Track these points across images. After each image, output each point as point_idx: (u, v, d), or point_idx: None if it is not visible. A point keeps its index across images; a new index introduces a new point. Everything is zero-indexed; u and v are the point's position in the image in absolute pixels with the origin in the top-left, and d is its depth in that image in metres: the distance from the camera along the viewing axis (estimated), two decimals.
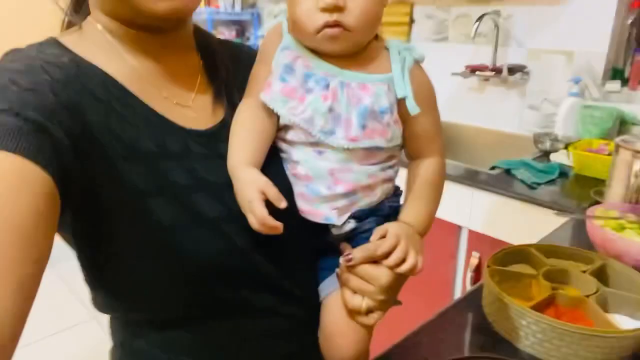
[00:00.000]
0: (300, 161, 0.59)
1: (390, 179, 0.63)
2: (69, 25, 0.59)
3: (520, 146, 1.83)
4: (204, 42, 0.64)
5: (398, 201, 0.66)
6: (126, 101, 0.52)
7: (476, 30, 1.75)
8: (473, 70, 1.93)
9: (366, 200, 0.60)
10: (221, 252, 0.53)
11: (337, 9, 0.52)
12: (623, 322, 0.70)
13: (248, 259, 0.56)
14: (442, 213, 1.54)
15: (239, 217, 0.53)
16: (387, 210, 0.63)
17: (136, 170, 0.50)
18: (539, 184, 1.38)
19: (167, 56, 0.58)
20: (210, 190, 0.54)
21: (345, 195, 0.58)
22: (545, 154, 1.64)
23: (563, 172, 1.46)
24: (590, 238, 0.91)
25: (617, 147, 1.04)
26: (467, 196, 1.47)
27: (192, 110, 0.58)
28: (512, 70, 1.84)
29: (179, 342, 0.57)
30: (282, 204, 0.51)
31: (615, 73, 1.69)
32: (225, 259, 0.53)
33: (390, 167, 0.62)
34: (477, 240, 1.49)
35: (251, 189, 0.52)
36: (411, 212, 0.62)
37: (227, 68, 0.64)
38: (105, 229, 0.49)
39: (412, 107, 0.57)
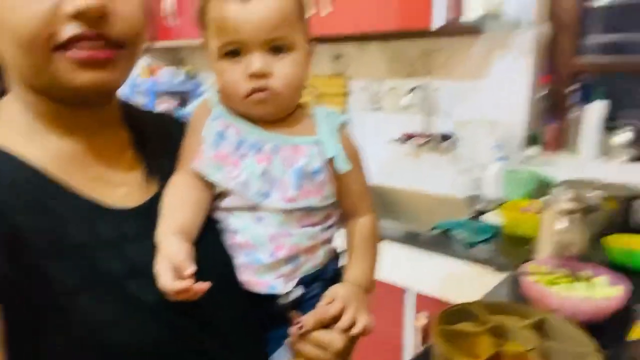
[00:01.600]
0: (239, 229, 0.59)
1: (329, 240, 0.64)
2: None
3: (454, 208, 1.93)
4: (131, 114, 0.62)
5: (338, 263, 0.67)
6: (51, 191, 0.49)
7: (407, 102, 1.88)
8: (408, 137, 2.06)
9: (310, 264, 0.60)
10: (162, 339, 0.50)
11: (264, 75, 0.56)
12: None
13: (190, 342, 0.53)
14: (386, 276, 1.57)
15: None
16: (331, 273, 0.64)
17: (64, 267, 0.46)
18: (476, 243, 1.45)
19: (94, 133, 0.55)
20: (146, 275, 0.50)
21: (288, 260, 0.58)
22: (479, 215, 1.74)
23: (496, 232, 1.55)
24: (528, 294, 0.96)
25: (542, 206, 1.13)
26: (410, 258, 1.52)
27: (124, 187, 0.56)
28: (443, 137, 1.98)
29: None
30: (189, 269, 0.48)
31: (533, 139, 1.86)
32: (167, 345, 0.50)
33: (329, 227, 0.64)
34: (424, 301, 1.52)
35: (161, 261, 0.49)
36: (355, 271, 0.63)
37: (159, 141, 0.63)
38: (34, 328, 0.45)
39: (342, 165, 0.60)
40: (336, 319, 0.56)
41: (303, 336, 0.57)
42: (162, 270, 0.48)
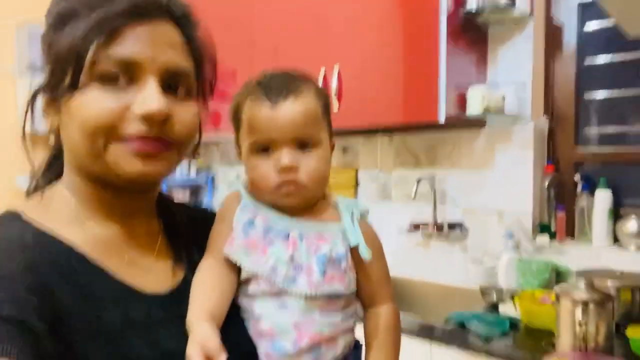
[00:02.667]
0: (263, 315, 0.60)
1: (350, 329, 0.64)
2: (35, 189, 0.60)
3: (468, 298, 1.89)
4: (163, 204, 0.66)
5: (359, 355, 0.66)
6: (90, 274, 0.52)
7: (416, 192, 1.93)
8: (416, 226, 2.07)
9: (330, 355, 0.60)
10: None
11: (292, 169, 0.60)
12: None
13: None
14: None
15: None
16: None
17: (96, 349, 0.48)
18: (492, 337, 1.41)
19: (130, 220, 0.59)
20: (172, 359, 0.52)
21: (310, 349, 0.59)
22: (493, 306, 1.70)
23: (513, 324, 1.51)
24: None
25: (558, 297, 1.11)
26: (426, 351, 1.46)
27: (153, 273, 0.59)
28: (452, 226, 1.99)
29: None
30: (223, 356, 0.50)
31: (543, 228, 1.87)
32: None
33: (350, 316, 0.64)
34: None
35: (193, 344, 0.51)
36: None
37: (188, 230, 0.66)
38: None
39: (365, 253, 0.62)
40: None
41: None
42: (195, 356, 0.50)
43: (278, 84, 0.61)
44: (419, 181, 1.95)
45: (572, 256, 1.74)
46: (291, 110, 0.60)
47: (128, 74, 0.51)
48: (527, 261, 1.74)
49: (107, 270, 0.54)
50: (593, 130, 1.88)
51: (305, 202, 0.63)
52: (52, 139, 0.57)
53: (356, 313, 0.66)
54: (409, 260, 2.17)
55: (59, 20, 0.52)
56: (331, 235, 0.62)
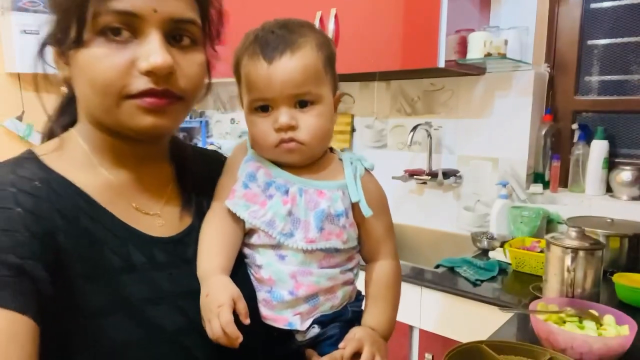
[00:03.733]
0: (263, 265, 0.61)
1: (350, 282, 0.65)
2: (50, 132, 0.62)
3: (459, 244, 1.92)
4: (178, 151, 0.67)
5: (360, 306, 0.67)
6: (95, 215, 0.54)
7: (411, 139, 1.91)
8: (411, 174, 2.07)
9: (328, 304, 0.62)
10: None
11: (290, 127, 0.60)
12: None
13: None
14: None
15: (201, 329, 0.53)
16: (349, 315, 0.64)
17: (94, 289, 0.50)
18: (481, 281, 1.44)
19: (141, 167, 0.60)
20: (171, 302, 0.54)
21: (307, 298, 0.60)
22: (484, 252, 1.73)
23: (502, 269, 1.54)
24: (535, 332, 0.95)
25: (548, 244, 1.13)
26: (416, 295, 1.50)
27: (161, 218, 0.60)
28: (446, 174, 1.99)
29: None
30: (247, 320, 0.53)
31: (537, 177, 1.87)
32: None
33: (350, 269, 0.65)
34: (429, 339, 1.49)
35: (224, 295, 0.53)
36: (372, 316, 0.65)
37: (199, 177, 0.67)
38: (61, 346, 0.48)
39: (365, 210, 0.62)
40: None
41: None
42: (226, 308, 0.52)
43: (275, 39, 0.59)
44: (414, 128, 1.93)
45: (565, 205, 1.75)
46: (287, 68, 0.58)
47: (130, 27, 0.50)
48: (519, 208, 1.76)
49: (114, 214, 0.55)
50: (594, 79, 1.84)
51: (305, 160, 0.63)
52: (64, 88, 0.58)
53: (358, 266, 0.67)
54: (403, 207, 2.19)
55: None
56: (331, 192, 0.62)
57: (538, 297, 1.18)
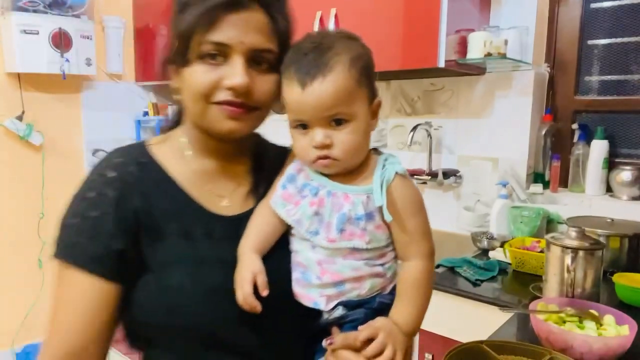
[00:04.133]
0: (298, 251, 0.70)
1: (380, 275, 0.69)
2: (162, 130, 0.81)
3: (459, 244, 1.93)
4: (259, 149, 0.81)
5: (390, 299, 0.70)
6: (172, 194, 0.70)
7: (411, 139, 1.91)
8: (411, 174, 2.07)
9: (355, 292, 0.67)
10: (213, 317, 0.65)
11: (326, 146, 0.65)
12: None
13: (235, 329, 0.66)
14: None
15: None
16: (377, 304, 0.68)
17: (159, 251, 0.67)
18: (481, 281, 1.44)
19: (223, 159, 0.75)
20: (214, 267, 0.68)
21: (333, 284, 0.67)
22: (484, 252, 1.73)
23: (502, 269, 1.54)
24: (536, 332, 0.95)
25: (548, 244, 1.13)
26: None
27: (228, 200, 0.74)
28: (446, 174, 1.99)
29: None
30: (265, 292, 0.63)
31: (537, 177, 1.87)
32: (216, 322, 0.66)
33: (380, 264, 0.69)
34: (429, 339, 1.49)
35: (247, 271, 0.65)
36: (398, 311, 0.68)
37: (274, 171, 0.76)
38: (131, 286, 0.67)
39: (386, 216, 0.65)
40: (366, 345, 0.62)
41: (334, 352, 0.64)
42: (247, 282, 0.64)
43: (307, 64, 0.65)
44: (414, 128, 1.94)
45: (565, 205, 1.76)
46: (319, 92, 0.64)
47: (223, 53, 0.66)
48: (519, 208, 1.76)
49: (189, 194, 0.71)
50: (594, 79, 1.84)
51: (341, 171, 0.68)
52: (176, 96, 0.73)
53: (393, 262, 0.71)
54: None
55: (179, 8, 0.68)
56: (355, 196, 0.66)
57: (538, 297, 1.18)
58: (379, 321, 0.65)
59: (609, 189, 1.74)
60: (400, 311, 0.67)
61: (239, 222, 0.71)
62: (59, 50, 2.44)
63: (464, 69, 1.81)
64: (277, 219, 0.70)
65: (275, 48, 0.69)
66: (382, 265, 0.69)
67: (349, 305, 0.67)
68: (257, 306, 0.63)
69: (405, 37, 1.72)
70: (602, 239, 1.41)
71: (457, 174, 2.01)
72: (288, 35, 0.71)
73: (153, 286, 0.66)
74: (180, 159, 0.73)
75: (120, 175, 0.68)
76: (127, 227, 0.66)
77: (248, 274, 0.64)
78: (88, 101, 2.82)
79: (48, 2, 2.40)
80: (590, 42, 1.83)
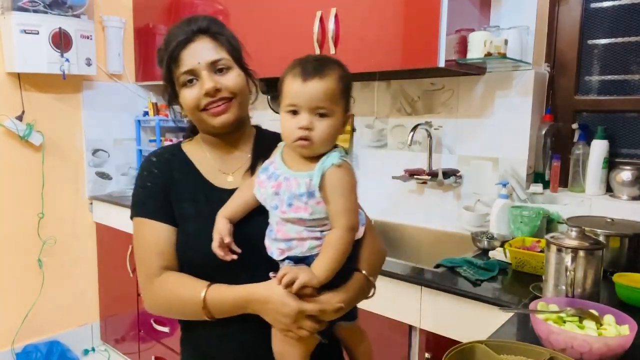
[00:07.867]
0: (269, 217, 0.93)
1: (317, 238, 0.89)
2: (186, 136, 1.11)
3: (459, 244, 1.93)
4: (262, 141, 1.06)
5: None
6: (190, 173, 1.02)
7: (411, 139, 1.91)
8: (411, 174, 2.07)
9: (298, 249, 0.88)
10: (208, 254, 0.90)
11: (308, 129, 0.86)
12: None
13: (222, 263, 0.91)
14: (392, 313, 1.55)
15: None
16: (313, 260, 0.88)
17: (185, 207, 0.98)
18: (481, 281, 1.44)
19: (228, 148, 1.04)
20: (213, 221, 0.93)
21: (283, 241, 0.89)
22: (484, 252, 1.73)
23: (502, 269, 1.54)
24: (536, 332, 0.95)
25: (548, 244, 1.13)
26: (416, 295, 1.50)
27: (232, 177, 1.03)
28: (447, 174, 1.99)
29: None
30: (227, 240, 0.90)
31: (537, 177, 1.87)
32: (210, 259, 0.90)
33: (320, 231, 0.89)
34: (429, 339, 1.49)
35: (216, 230, 0.91)
36: (315, 262, 0.88)
37: (269, 153, 0.98)
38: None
39: (316, 192, 0.86)
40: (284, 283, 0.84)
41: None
42: (215, 237, 0.90)
43: (311, 67, 0.86)
44: (415, 128, 1.93)
45: (565, 205, 1.75)
46: (314, 87, 0.85)
47: (195, 75, 0.96)
48: (519, 208, 1.76)
49: (202, 173, 1.02)
50: (594, 79, 1.84)
51: (313, 154, 0.88)
52: (184, 115, 1.04)
53: (329, 231, 0.89)
54: (403, 207, 2.19)
55: (159, 61, 1.00)
56: (301, 179, 0.87)
57: (538, 297, 1.18)
58: (299, 267, 0.86)
59: (609, 189, 1.74)
60: (317, 262, 0.87)
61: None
62: (59, 50, 2.45)
63: (464, 68, 1.81)
64: (249, 196, 0.94)
65: (226, 55, 0.97)
66: (320, 231, 0.89)
67: (293, 259, 0.89)
68: (225, 256, 0.89)
69: (405, 37, 1.72)
70: (602, 239, 1.40)
71: (457, 174, 2.01)
72: (233, 42, 0.99)
73: (180, 232, 0.97)
74: (199, 151, 1.05)
75: (158, 160, 1.03)
76: (167, 190, 0.99)
77: (216, 233, 0.90)
78: (88, 101, 2.82)
79: (48, 2, 2.40)
80: (590, 42, 1.83)
